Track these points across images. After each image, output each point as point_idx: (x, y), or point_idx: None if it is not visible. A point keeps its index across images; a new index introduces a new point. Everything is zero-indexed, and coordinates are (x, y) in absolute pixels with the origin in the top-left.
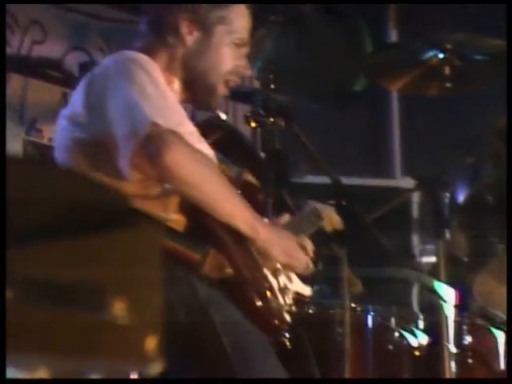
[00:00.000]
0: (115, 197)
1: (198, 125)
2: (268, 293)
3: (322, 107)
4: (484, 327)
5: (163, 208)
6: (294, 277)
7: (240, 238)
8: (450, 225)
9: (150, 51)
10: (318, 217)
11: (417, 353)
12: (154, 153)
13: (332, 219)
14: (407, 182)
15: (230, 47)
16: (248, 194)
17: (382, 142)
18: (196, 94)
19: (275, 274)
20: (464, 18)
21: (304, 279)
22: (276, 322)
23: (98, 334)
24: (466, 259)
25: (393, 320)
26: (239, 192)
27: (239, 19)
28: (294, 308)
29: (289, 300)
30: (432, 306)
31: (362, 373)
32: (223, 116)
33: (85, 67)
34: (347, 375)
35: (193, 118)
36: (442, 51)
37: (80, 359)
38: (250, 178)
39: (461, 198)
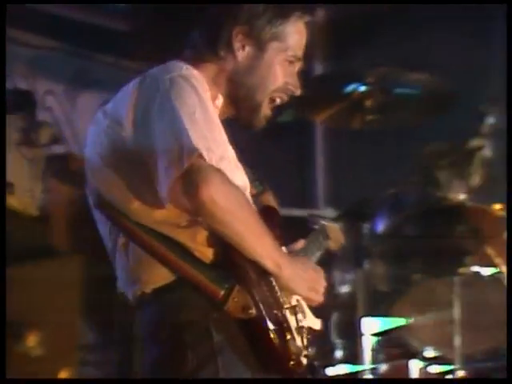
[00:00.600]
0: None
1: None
2: (287, 334)
3: (248, 136)
4: (399, 356)
5: (191, 237)
6: (307, 311)
7: (264, 275)
8: (369, 255)
9: (199, 63)
10: (326, 236)
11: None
12: (192, 186)
13: (338, 237)
14: (330, 213)
15: (282, 64)
16: (266, 216)
17: (306, 172)
18: (240, 111)
19: (293, 312)
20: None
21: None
22: (292, 365)
23: (16, 366)
24: (383, 289)
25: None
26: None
27: (295, 35)
28: (310, 349)
29: (306, 340)
30: (349, 337)
31: None
32: None
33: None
34: None
35: None
36: (363, 84)
37: None
38: (270, 199)
39: (381, 228)
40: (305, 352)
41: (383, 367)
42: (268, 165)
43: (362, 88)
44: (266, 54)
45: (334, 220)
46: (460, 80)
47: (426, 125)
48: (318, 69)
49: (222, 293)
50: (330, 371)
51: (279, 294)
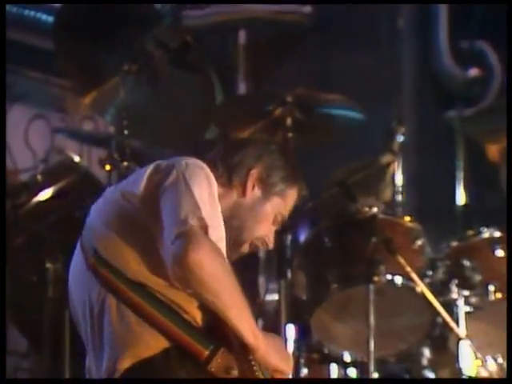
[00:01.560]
0: None
1: (50, 168)
2: None
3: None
4: (319, 360)
5: (188, 300)
6: None
7: (243, 347)
8: (291, 265)
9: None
10: None
11: None
12: (182, 248)
13: None
14: None
15: (273, 218)
16: None
17: None
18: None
19: None
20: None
21: None
22: None
23: None
24: (304, 297)
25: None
26: None
27: (291, 199)
28: None
29: None
30: None
31: None
32: (76, 158)
33: None
34: None
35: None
36: (283, 103)
37: None
38: None
39: (301, 239)
40: None
41: (304, 371)
42: None
43: (282, 107)
44: (269, 204)
45: None
46: (370, 100)
47: (341, 142)
48: (242, 88)
49: (207, 353)
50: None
51: (255, 367)
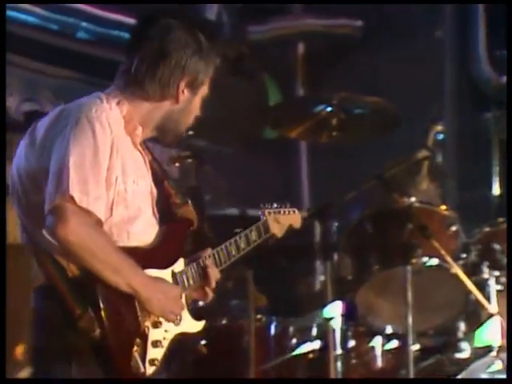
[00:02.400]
0: None
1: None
2: (135, 351)
3: (238, 151)
4: (365, 333)
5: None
6: (185, 318)
7: (126, 297)
8: (337, 249)
9: (131, 94)
10: (266, 229)
11: (310, 355)
12: (52, 224)
13: (282, 225)
14: None
15: (200, 102)
16: (182, 225)
17: (290, 179)
18: (164, 137)
19: (156, 326)
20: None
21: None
22: (132, 375)
23: None
24: (349, 277)
25: (291, 329)
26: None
27: (209, 76)
28: (157, 361)
29: (160, 352)
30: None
31: (265, 372)
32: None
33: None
34: (252, 374)
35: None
36: (329, 106)
37: None
38: (189, 211)
39: (346, 226)
40: (142, 368)
41: (352, 343)
42: (260, 174)
43: (328, 109)
44: (196, 97)
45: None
46: (407, 101)
47: (381, 139)
48: (300, 93)
49: (79, 312)
50: (308, 346)
51: (139, 313)
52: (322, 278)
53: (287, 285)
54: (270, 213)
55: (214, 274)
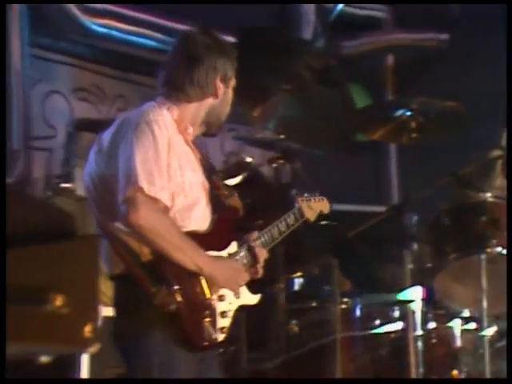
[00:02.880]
0: (61, 219)
1: (229, 167)
2: (206, 321)
3: (331, 152)
4: (443, 315)
5: (140, 247)
6: (243, 292)
7: (194, 275)
8: (417, 239)
9: (176, 100)
10: (301, 215)
11: (392, 335)
12: (125, 212)
13: (314, 211)
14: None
15: (232, 92)
16: (229, 213)
17: (380, 176)
18: (211, 129)
19: (221, 299)
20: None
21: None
22: (209, 345)
23: (45, 323)
24: (429, 265)
25: (375, 310)
26: (220, 214)
27: (234, 70)
28: (226, 329)
29: (227, 321)
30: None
31: (350, 349)
32: (249, 159)
33: None
34: (338, 351)
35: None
36: (409, 110)
37: (33, 344)
38: (236, 201)
39: (426, 219)
40: (214, 334)
41: (432, 324)
42: (354, 173)
43: (408, 113)
44: (229, 89)
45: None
46: (480, 105)
47: (456, 140)
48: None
49: (153, 290)
50: (390, 327)
51: (205, 287)
52: (403, 265)
53: (371, 271)
54: (302, 200)
55: (262, 253)
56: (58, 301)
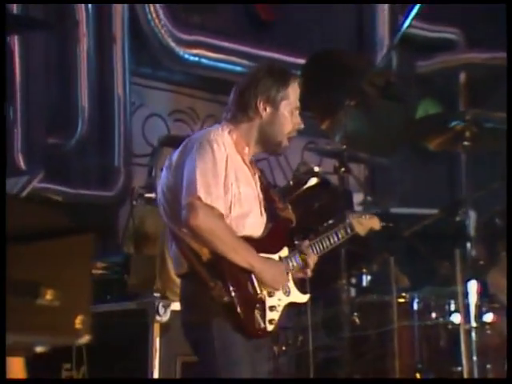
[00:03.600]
0: (55, 218)
1: (298, 175)
2: (256, 312)
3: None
4: (498, 308)
5: (200, 248)
6: (292, 291)
7: (245, 272)
8: (471, 239)
9: (235, 123)
10: (351, 228)
11: (449, 326)
12: (185, 217)
13: (365, 227)
14: None
15: (289, 114)
16: (284, 223)
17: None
18: (266, 148)
19: (270, 295)
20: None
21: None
22: (259, 333)
23: (38, 316)
24: (481, 262)
25: (432, 304)
26: (274, 223)
27: (294, 93)
28: (274, 321)
29: (276, 314)
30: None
31: (409, 341)
32: (316, 168)
33: None
34: (396, 342)
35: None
36: (463, 121)
37: (28, 334)
38: (289, 213)
39: (480, 220)
40: (263, 324)
41: (487, 316)
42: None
43: (462, 123)
44: (280, 110)
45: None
46: None
47: None
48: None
49: (212, 284)
50: (446, 319)
51: (256, 283)
52: (459, 261)
53: (428, 267)
54: (353, 217)
55: (312, 259)
56: (49, 295)
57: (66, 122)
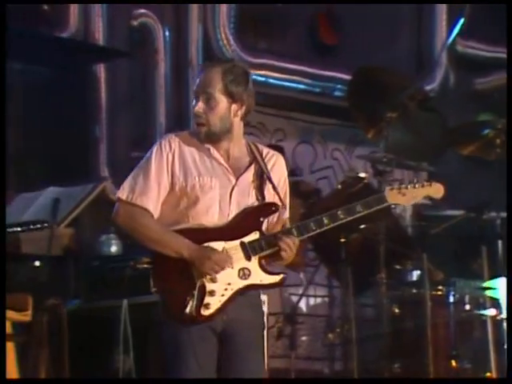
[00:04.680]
0: None
1: (346, 180)
2: (189, 298)
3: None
4: None
5: None
6: (254, 273)
7: (181, 261)
8: (501, 237)
9: None
10: (383, 199)
11: (483, 318)
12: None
13: (416, 195)
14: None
15: None
16: (255, 211)
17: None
18: None
19: (213, 281)
20: None
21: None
22: (191, 318)
23: None
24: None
25: (467, 297)
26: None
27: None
28: (210, 305)
29: (214, 299)
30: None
31: (445, 331)
32: (362, 174)
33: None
34: (433, 331)
35: None
36: (494, 129)
37: None
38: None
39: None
40: (194, 309)
41: None
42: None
43: (494, 131)
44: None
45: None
46: None
47: None
48: None
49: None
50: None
51: (194, 272)
52: (489, 258)
53: (461, 263)
54: (392, 189)
55: (288, 242)
56: None
57: (146, 137)
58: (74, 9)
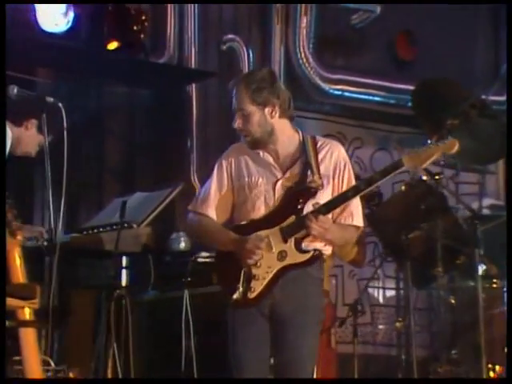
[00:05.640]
0: None
1: (408, 182)
2: (240, 283)
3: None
4: None
5: None
6: (289, 254)
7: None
8: None
9: None
10: (399, 163)
11: None
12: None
13: (429, 154)
14: None
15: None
16: (290, 198)
17: None
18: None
19: (256, 266)
20: None
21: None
22: (240, 301)
23: None
24: None
25: None
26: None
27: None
28: (254, 288)
29: (257, 283)
30: None
31: (501, 320)
32: (424, 177)
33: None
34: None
35: None
36: None
37: None
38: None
39: None
40: (242, 294)
41: None
42: None
43: None
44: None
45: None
46: None
47: None
48: None
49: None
50: None
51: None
52: None
53: None
54: (408, 154)
55: (316, 220)
56: None
57: None
58: (170, 36)
